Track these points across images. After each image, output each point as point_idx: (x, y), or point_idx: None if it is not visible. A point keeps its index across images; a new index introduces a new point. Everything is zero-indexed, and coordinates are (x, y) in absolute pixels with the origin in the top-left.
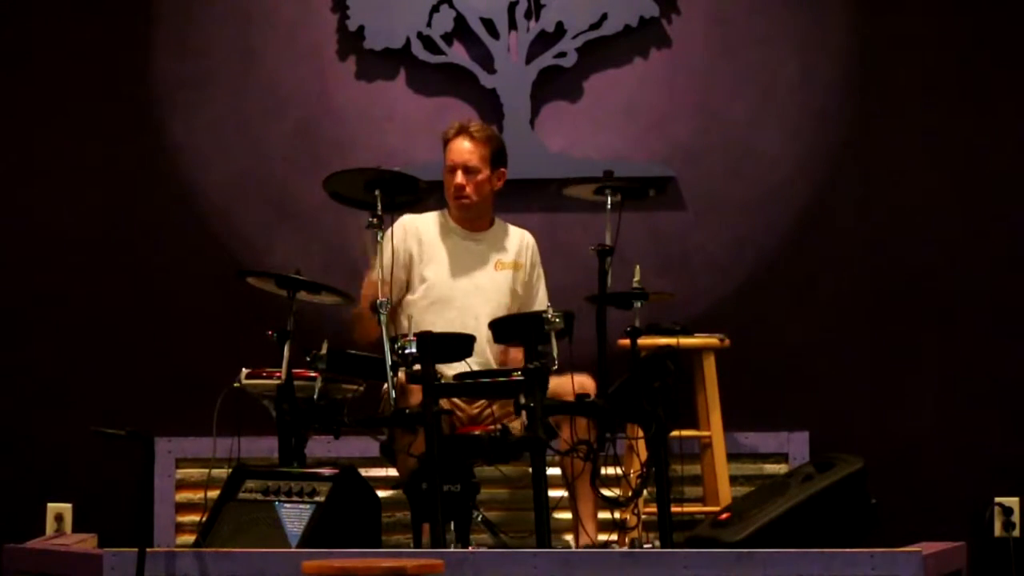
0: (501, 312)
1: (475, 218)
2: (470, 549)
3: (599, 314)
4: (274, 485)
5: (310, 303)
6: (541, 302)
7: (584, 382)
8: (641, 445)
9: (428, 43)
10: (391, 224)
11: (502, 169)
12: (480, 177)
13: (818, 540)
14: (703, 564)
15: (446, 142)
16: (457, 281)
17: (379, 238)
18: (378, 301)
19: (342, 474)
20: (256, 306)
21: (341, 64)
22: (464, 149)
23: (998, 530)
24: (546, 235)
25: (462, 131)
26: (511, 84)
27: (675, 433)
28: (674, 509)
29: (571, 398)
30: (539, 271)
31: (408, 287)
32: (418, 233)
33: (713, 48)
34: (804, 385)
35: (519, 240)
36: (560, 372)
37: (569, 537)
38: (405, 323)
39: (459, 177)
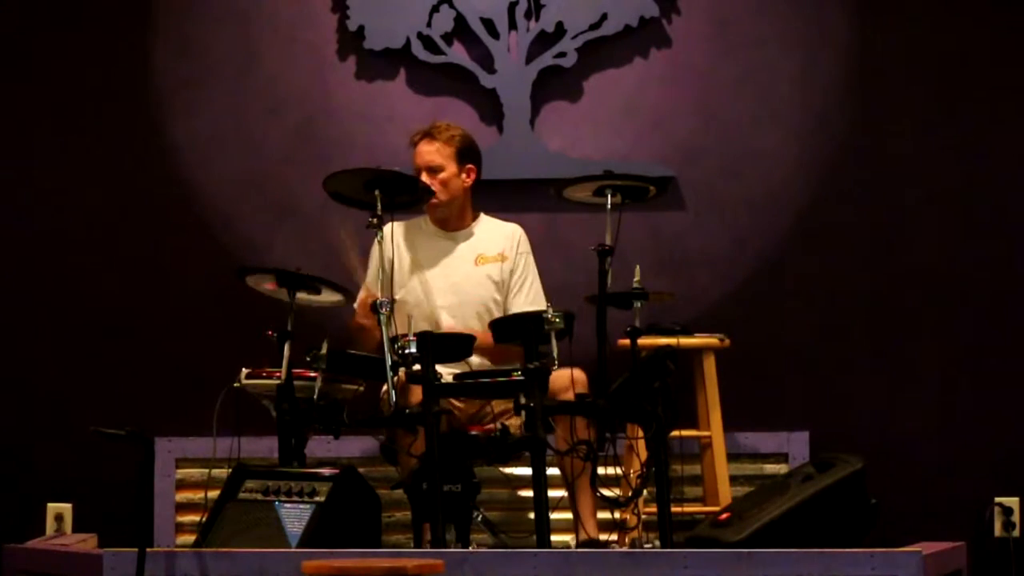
0: (489, 307)
1: (451, 217)
2: (470, 549)
3: (599, 314)
4: (274, 485)
5: (311, 304)
6: (527, 297)
7: (577, 376)
8: (641, 445)
9: (428, 43)
10: (391, 222)
11: (470, 166)
12: (445, 175)
13: (818, 540)
14: (703, 564)
15: (413, 147)
16: (434, 282)
17: (378, 239)
18: (378, 301)
19: (342, 474)
20: (256, 306)
21: (341, 64)
22: (427, 150)
23: (998, 530)
24: (546, 235)
25: (425, 134)
26: (511, 84)
27: (675, 433)
28: (674, 509)
29: (563, 393)
30: (527, 261)
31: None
32: (397, 239)
33: (713, 48)
34: (804, 385)
35: (505, 232)
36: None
37: (568, 538)
38: (404, 323)
39: (424, 178)
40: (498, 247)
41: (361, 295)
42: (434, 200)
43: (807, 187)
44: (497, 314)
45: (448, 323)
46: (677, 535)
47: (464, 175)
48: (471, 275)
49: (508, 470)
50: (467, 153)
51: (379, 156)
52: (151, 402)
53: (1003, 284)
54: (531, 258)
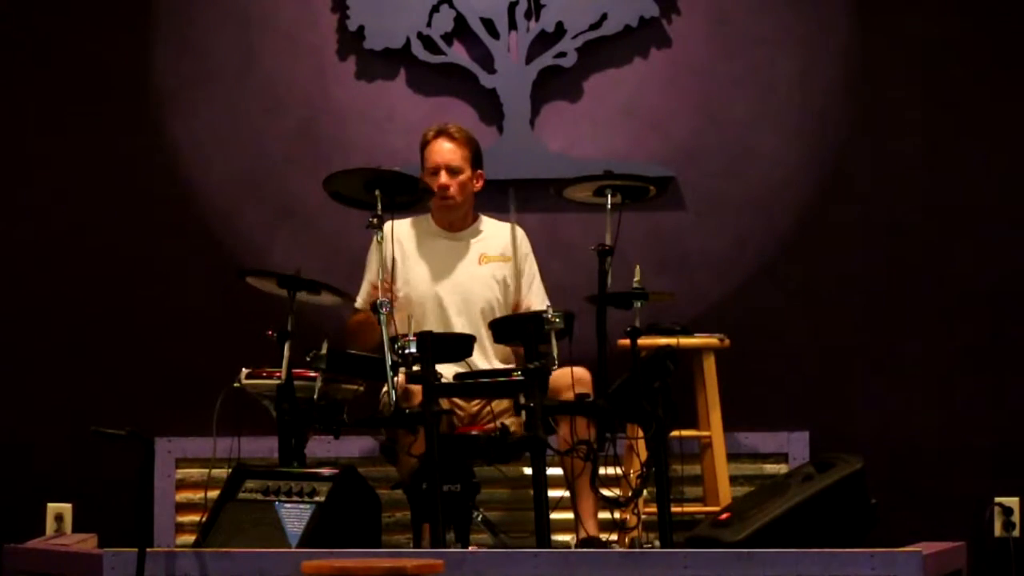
0: (493, 306)
1: (457, 218)
2: (470, 549)
3: (599, 314)
4: (274, 485)
5: (310, 303)
6: (537, 294)
7: (581, 375)
8: (641, 445)
9: (428, 43)
10: (392, 221)
11: (480, 171)
12: (463, 177)
13: (818, 540)
14: (703, 564)
15: (424, 145)
16: (439, 281)
17: (378, 238)
18: (378, 301)
19: (342, 474)
20: (256, 306)
21: (341, 64)
22: (446, 150)
23: (998, 530)
24: (546, 235)
25: (441, 133)
26: (511, 84)
27: (675, 433)
28: (674, 509)
29: (566, 391)
30: (531, 261)
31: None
32: (399, 239)
33: (713, 48)
34: (804, 385)
35: (505, 232)
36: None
37: (568, 537)
38: (405, 323)
39: (443, 177)
40: (500, 247)
41: (365, 298)
42: (449, 201)
43: (807, 187)
44: (500, 314)
45: (455, 323)
46: (677, 535)
47: (475, 180)
48: (476, 274)
49: (507, 469)
50: (478, 157)
51: (379, 156)
52: (151, 402)
53: (1003, 284)
54: (533, 256)
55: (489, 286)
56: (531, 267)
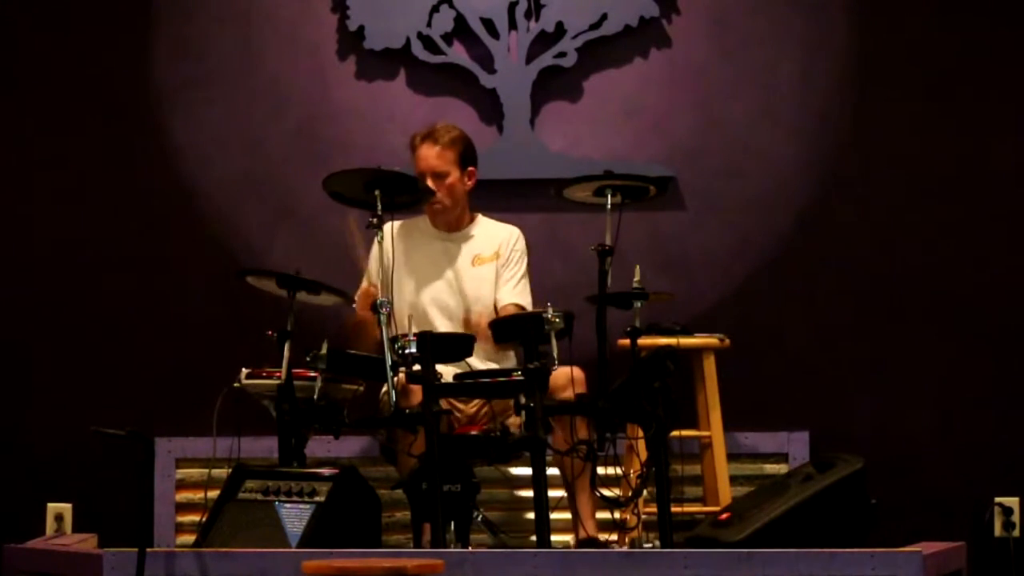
0: (487, 306)
1: (451, 218)
2: (470, 549)
3: (599, 314)
4: (274, 485)
5: (310, 303)
6: (516, 289)
7: (575, 375)
8: (641, 445)
9: (428, 43)
10: (389, 222)
11: (471, 168)
12: (450, 180)
13: (818, 540)
14: (703, 564)
15: (413, 149)
16: (433, 282)
17: (378, 238)
18: (378, 301)
19: (342, 474)
20: (256, 306)
21: (341, 64)
22: (431, 156)
23: (998, 530)
24: (546, 235)
25: (427, 137)
26: (511, 84)
27: (675, 433)
28: (674, 509)
29: (561, 391)
30: (519, 259)
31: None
32: (395, 239)
33: (713, 48)
34: (804, 385)
35: (502, 234)
36: None
37: (568, 537)
38: (405, 323)
39: (429, 183)
40: (493, 247)
41: (363, 285)
42: (438, 206)
43: (807, 187)
44: (493, 315)
45: (443, 325)
46: (677, 535)
47: (466, 178)
48: (468, 276)
49: (509, 469)
50: (468, 156)
51: (379, 156)
52: (151, 402)
53: (1003, 284)
54: (524, 257)
55: (482, 287)
56: (516, 264)
